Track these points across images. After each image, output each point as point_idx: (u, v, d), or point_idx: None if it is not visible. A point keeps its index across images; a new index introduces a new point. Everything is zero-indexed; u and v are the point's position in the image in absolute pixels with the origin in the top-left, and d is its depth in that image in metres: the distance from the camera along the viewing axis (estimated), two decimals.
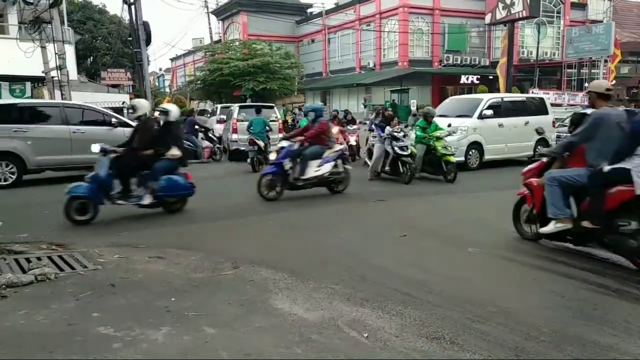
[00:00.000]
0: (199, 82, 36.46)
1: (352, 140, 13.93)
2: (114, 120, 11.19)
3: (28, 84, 19.80)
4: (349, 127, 14.34)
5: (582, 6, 39.48)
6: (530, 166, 5.82)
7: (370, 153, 11.58)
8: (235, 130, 15.63)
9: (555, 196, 4.95)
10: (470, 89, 32.57)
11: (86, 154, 7.49)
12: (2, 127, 10.01)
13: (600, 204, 4.65)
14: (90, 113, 11.38)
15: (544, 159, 5.55)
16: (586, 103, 25.13)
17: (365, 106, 33.57)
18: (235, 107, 17.13)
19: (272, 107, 16.83)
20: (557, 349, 3.19)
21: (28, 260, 4.80)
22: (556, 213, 4.97)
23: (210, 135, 15.71)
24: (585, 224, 4.78)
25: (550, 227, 5.10)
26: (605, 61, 30.98)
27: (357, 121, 15.01)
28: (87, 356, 2.98)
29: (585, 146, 4.96)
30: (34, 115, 10.70)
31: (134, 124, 8.39)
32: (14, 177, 10.06)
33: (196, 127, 15.03)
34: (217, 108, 22.58)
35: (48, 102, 12.59)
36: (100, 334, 3.30)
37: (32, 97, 19.50)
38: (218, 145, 15.66)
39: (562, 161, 5.29)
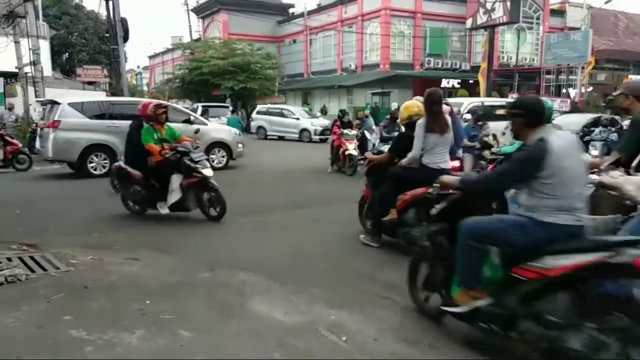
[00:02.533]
0: (177, 80, 36.10)
1: (351, 149, 11.47)
2: (192, 117, 12.49)
3: (0, 80, 19.36)
4: (346, 131, 11.83)
5: (561, 13, 40.25)
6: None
7: None
8: None
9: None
10: (451, 92, 32.85)
11: None
12: (98, 122, 11.10)
13: None
14: (171, 111, 12.13)
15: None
16: (564, 109, 25.51)
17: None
18: (199, 106, 21.97)
19: (227, 107, 20.20)
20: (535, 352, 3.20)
21: None
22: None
23: None
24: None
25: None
26: (583, 68, 31.62)
27: (356, 124, 13.05)
28: None
29: None
30: (124, 112, 11.08)
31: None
32: (105, 168, 10.66)
33: None
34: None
35: (135, 99, 13.35)
36: (72, 337, 3.21)
37: (4, 93, 19.03)
38: None
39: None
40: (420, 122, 5.11)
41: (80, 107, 11.16)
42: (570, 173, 2.93)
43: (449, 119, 5.43)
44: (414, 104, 5.57)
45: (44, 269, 4.54)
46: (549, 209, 2.92)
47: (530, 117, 3.08)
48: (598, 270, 2.66)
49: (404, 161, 5.23)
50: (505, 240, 2.99)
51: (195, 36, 44.54)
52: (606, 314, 2.68)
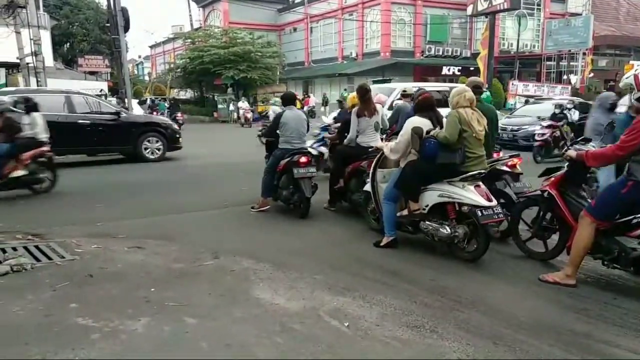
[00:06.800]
0: (178, 70, 35.99)
1: None
2: None
3: (2, 70, 19.36)
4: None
5: None
6: None
7: None
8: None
9: None
10: (451, 79, 32.71)
11: None
12: None
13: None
14: None
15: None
16: (565, 95, 25.46)
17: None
18: (148, 98, 25.86)
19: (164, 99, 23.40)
20: (534, 337, 3.24)
21: (3, 251, 4.69)
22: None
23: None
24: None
25: None
26: (584, 54, 31.41)
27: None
28: (64, 348, 2.94)
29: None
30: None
31: None
32: None
33: None
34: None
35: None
36: (78, 324, 3.25)
37: (6, 84, 19.02)
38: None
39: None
40: (354, 110, 6.43)
41: None
42: (291, 126, 6.50)
43: (379, 106, 6.62)
44: (355, 95, 6.77)
45: (49, 258, 4.59)
46: (282, 141, 6.59)
47: (284, 101, 6.90)
48: (290, 164, 6.39)
49: (345, 141, 6.58)
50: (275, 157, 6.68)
51: (195, 25, 44.30)
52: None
